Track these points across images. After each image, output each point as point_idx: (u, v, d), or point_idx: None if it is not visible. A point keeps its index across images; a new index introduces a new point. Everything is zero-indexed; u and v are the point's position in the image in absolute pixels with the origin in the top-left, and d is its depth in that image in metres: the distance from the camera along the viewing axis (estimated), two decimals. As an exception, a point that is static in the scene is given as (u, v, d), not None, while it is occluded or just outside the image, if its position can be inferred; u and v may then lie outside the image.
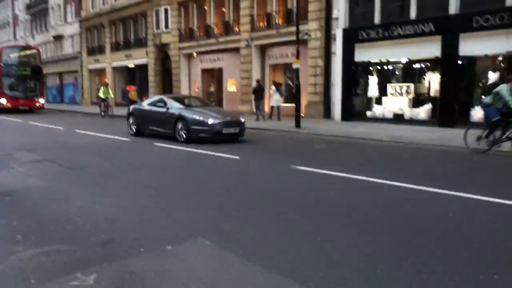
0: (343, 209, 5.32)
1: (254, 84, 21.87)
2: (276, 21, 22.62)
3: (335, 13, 19.34)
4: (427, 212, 5.21)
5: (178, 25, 28.97)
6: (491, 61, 15.44)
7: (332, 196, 6.05)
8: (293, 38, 18.56)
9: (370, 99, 18.87)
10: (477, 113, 15.00)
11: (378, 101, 18.48)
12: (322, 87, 20.19)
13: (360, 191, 6.34)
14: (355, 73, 19.27)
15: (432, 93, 16.74)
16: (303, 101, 19.93)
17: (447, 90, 15.92)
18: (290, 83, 21.98)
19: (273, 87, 20.24)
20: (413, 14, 16.86)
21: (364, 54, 18.48)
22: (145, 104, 14.37)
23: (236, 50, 24.67)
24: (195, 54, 28.47)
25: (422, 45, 16.46)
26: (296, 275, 3.38)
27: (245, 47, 23.73)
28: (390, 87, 18.02)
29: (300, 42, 18.18)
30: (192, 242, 4.09)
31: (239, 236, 4.33)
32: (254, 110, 20.82)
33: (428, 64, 17.00)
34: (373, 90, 18.65)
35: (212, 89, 28.32)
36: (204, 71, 28.61)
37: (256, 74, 23.47)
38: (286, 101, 21.91)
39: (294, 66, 16.74)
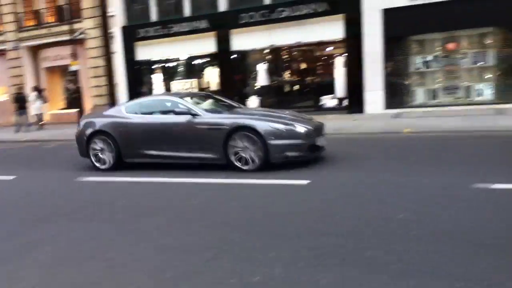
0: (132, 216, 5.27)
1: (14, 92, 19.08)
2: (47, 19, 20.76)
3: (111, 10, 18.73)
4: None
5: None
6: (259, 54, 17.20)
7: (124, 203, 5.94)
8: (68, 37, 17.40)
9: (157, 97, 18.98)
10: (251, 103, 16.63)
11: (165, 99, 18.73)
12: (107, 88, 19.38)
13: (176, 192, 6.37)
14: (138, 72, 19.04)
15: (213, 87, 17.77)
16: (88, 105, 18.90)
17: (225, 83, 17.13)
18: (71, 87, 20.55)
19: (33, 94, 18.25)
20: (187, 11, 17.51)
21: (145, 52, 18.42)
22: (125, 113, 8.37)
23: (2, 53, 21.79)
24: None
25: (199, 42, 17.26)
26: None
27: (12, 49, 21.14)
28: (174, 84, 18.47)
29: (76, 42, 17.23)
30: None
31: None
32: (15, 121, 18.10)
33: (207, 60, 17.98)
34: (158, 88, 18.80)
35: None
36: (-36, 79, 24.46)
37: (29, 80, 21.17)
38: (69, 107, 20.40)
39: (72, 68, 15.78)
